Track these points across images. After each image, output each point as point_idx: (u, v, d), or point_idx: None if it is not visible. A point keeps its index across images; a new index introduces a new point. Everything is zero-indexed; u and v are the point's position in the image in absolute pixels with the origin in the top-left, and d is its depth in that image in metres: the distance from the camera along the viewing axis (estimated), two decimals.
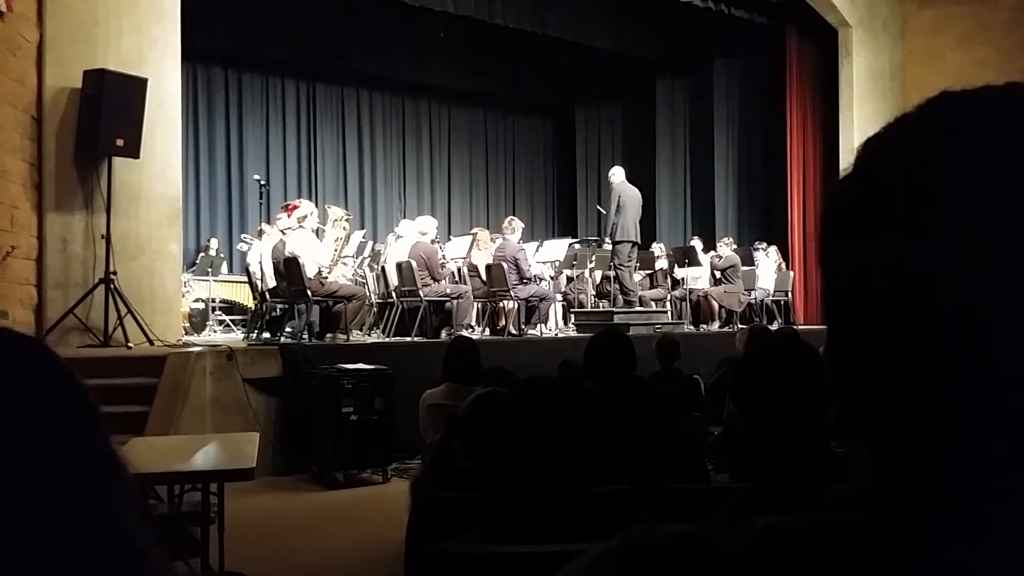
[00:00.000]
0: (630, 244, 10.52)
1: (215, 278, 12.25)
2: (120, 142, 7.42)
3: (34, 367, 0.63)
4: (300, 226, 8.69)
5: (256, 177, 12.71)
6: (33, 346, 0.65)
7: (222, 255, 13.57)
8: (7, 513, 0.56)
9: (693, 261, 11.99)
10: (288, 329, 8.83)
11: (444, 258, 10.03)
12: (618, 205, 10.40)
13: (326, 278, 8.63)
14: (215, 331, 11.56)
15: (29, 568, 0.55)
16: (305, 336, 8.32)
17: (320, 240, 9.01)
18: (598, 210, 10.94)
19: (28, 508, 0.56)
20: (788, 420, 1.76)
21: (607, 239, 11.04)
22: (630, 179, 10.81)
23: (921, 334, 0.46)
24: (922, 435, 0.47)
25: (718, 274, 12.22)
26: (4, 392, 0.59)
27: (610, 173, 10.91)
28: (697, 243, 12.88)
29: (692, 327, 11.57)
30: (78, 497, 0.59)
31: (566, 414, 1.77)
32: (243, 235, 13.09)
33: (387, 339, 9.26)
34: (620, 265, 10.59)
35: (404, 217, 12.91)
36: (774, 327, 10.01)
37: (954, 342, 0.45)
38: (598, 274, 11.95)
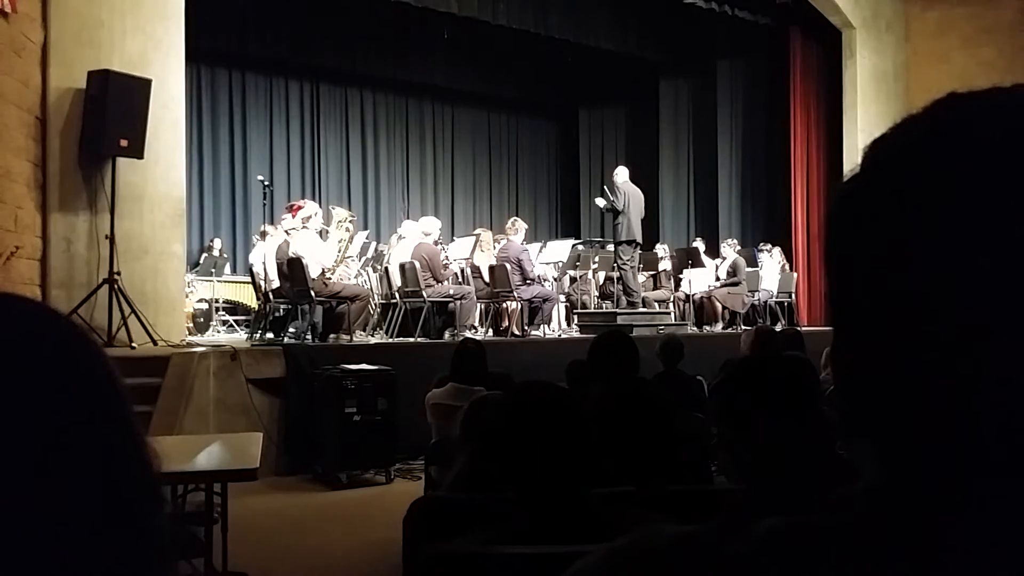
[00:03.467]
0: (633, 244, 10.53)
1: (219, 278, 12.27)
2: (124, 143, 7.42)
3: (62, 341, 0.61)
4: (304, 227, 8.70)
5: (260, 178, 12.71)
6: (63, 321, 0.63)
7: (225, 255, 13.59)
8: (24, 495, 0.55)
9: (696, 262, 11.98)
10: (291, 329, 8.84)
11: (447, 259, 10.03)
12: (623, 205, 10.41)
13: (330, 279, 8.64)
14: (219, 331, 11.58)
15: (46, 553, 0.55)
16: (308, 336, 8.32)
17: (324, 241, 9.02)
18: (603, 197, 10.88)
19: (49, 489, 0.56)
20: (780, 425, 1.76)
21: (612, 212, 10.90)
22: (634, 180, 10.82)
23: (927, 336, 0.46)
24: (927, 435, 0.47)
25: (722, 275, 12.21)
26: (30, 366, 0.58)
27: (614, 173, 10.91)
28: (700, 244, 12.88)
29: (696, 328, 11.57)
30: (104, 480, 0.58)
31: (562, 416, 1.77)
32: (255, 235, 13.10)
33: (390, 340, 9.26)
34: (623, 266, 10.60)
35: (407, 218, 12.92)
36: (778, 328, 9.99)
37: (960, 344, 0.45)
38: (601, 275, 11.96)
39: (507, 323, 9.94)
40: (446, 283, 9.51)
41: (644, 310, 10.87)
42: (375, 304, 10.30)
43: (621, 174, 10.73)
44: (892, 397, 0.48)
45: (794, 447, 1.76)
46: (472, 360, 4.63)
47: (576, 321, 11.20)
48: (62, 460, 0.57)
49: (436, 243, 9.92)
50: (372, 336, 9.74)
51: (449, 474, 3.06)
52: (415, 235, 9.96)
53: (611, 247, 11.16)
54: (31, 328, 0.60)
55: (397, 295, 9.73)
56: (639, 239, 10.59)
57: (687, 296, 11.99)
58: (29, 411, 0.56)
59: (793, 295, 13.00)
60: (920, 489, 0.47)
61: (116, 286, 7.33)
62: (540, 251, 11.33)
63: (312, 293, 8.26)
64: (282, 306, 9.32)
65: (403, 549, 2.52)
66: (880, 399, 0.49)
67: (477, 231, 11.40)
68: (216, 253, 13.29)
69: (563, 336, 10.42)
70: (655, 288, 12.31)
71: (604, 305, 11.56)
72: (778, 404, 1.78)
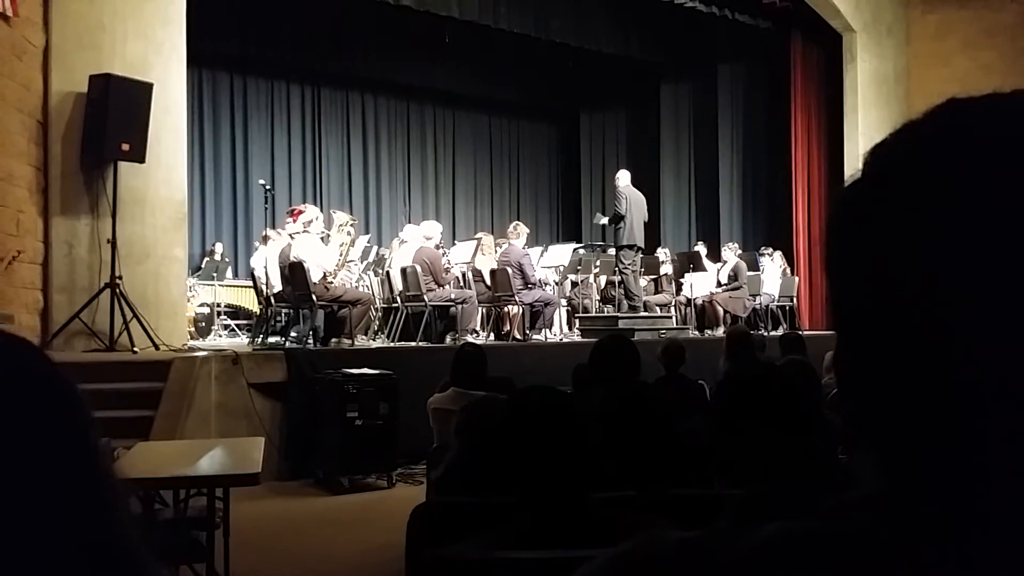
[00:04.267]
0: (634, 248, 10.54)
1: (220, 283, 12.27)
2: (126, 147, 7.43)
3: (23, 367, 0.62)
4: (305, 231, 8.71)
5: (261, 182, 12.72)
6: (21, 346, 0.64)
7: (227, 260, 13.60)
8: (6, 519, 0.55)
9: (698, 266, 11.97)
10: (293, 334, 8.84)
11: (448, 263, 10.04)
12: (625, 209, 10.41)
13: (331, 283, 8.64)
14: (220, 336, 11.59)
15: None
16: (310, 341, 8.32)
17: (325, 245, 9.02)
18: (603, 214, 10.98)
19: (27, 514, 0.56)
20: (777, 430, 1.76)
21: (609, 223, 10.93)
22: (635, 184, 10.83)
23: (928, 340, 0.46)
24: (928, 440, 0.47)
25: (723, 279, 12.21)
26: (19, 399, 0.59)
27: (616, 176, 10.93)
28: (702, 248, 12.87)
29: (697, 332, 11.56)
30: (77, 503, 0.59)
31: (563, 421, 1.77)
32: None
33: (392, 344, 9.26)
34: (625, 270, 10.60)
35: (409, 222, 12.92)
36: (779, 332, 10.00)
37: (961, 348, 0.45)
38: (603, 279, 11.95)
39: (508, 327, 9.93)
40: (447, 287, 9.50)
41: (645, 314, 10.87)
42: (376, 308, 10.30)
43: (623, 178, 10.75)
44: (893, 401, 0.48)
45: (791, 452, 1.76)
46: (472, 364, 4.63)
47: (577, 325, 11.20)
48: (47, 483, 0.57)
49: (437, 247, 9.91)
50: (373, 340, 9.73)
51: (437, 471, 3.06)
52: (416, 239, 9.96)
53: (612, 251, 11.16)
54: (15, 363, 0.61)
55: (398, 299, 9.73)
56: (640, 243, 10.60)
57: (688, 300, 11.99)
58: (24, 439, 0.57)
59: (794, 299, 12.99)
60: (922, 495, 0.47)
61: (118, 290, 7.33)
62: (541, 255, 11.34)
63: (314, 297, 8.26)
64: (284, 310, 9.32)
65: (406, 553, 2.52)
66: (881, 403, 0.49)
67: (478, 235, 11.41)
68: (218, 257, 13.29)
69: (564, 340, 10.42)
70: (656, 292, 12.30)
71: (605, 309, 11.56)
72: (776, 409, 1.77)
